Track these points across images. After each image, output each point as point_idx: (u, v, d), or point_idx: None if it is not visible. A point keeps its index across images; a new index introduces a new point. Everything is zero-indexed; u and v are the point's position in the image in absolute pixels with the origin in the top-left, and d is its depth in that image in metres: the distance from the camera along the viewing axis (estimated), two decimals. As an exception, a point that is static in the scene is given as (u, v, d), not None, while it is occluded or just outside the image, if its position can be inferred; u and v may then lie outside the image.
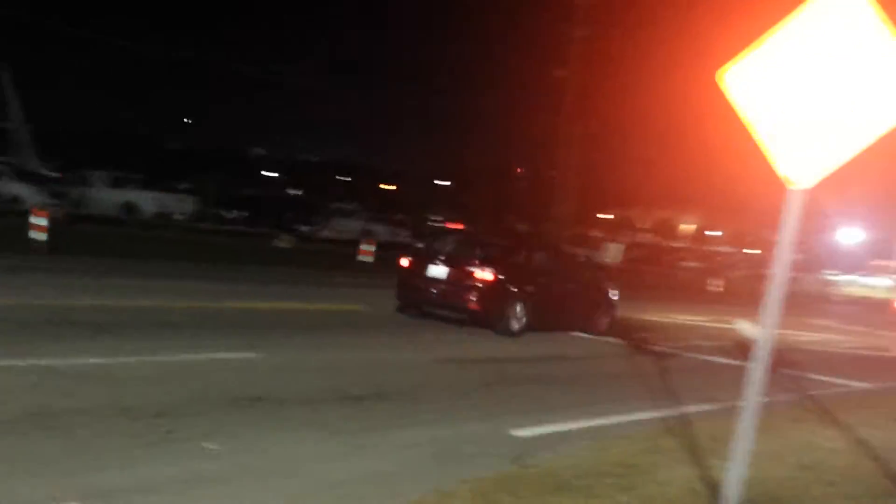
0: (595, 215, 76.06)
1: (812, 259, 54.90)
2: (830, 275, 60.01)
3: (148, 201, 40.74)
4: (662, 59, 36.23)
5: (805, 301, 39.97)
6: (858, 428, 10.10)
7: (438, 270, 16.99)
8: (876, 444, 9.26)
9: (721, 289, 41.73)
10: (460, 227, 63.75)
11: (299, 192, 75.97)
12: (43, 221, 20.96)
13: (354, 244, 31.55)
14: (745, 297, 32.69)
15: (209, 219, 44.58)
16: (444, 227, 62.63)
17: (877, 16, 5.49)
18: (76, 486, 5.70)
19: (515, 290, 16.88)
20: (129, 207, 39.44)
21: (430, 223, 63.01)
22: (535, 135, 46.15)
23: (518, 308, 16.81)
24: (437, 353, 13.70)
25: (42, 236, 20.80)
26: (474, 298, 16.43)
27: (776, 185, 5.78)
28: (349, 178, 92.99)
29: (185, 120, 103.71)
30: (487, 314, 16.56)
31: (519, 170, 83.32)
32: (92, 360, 9.59)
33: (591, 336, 18.04)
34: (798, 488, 7.22)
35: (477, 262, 16.84)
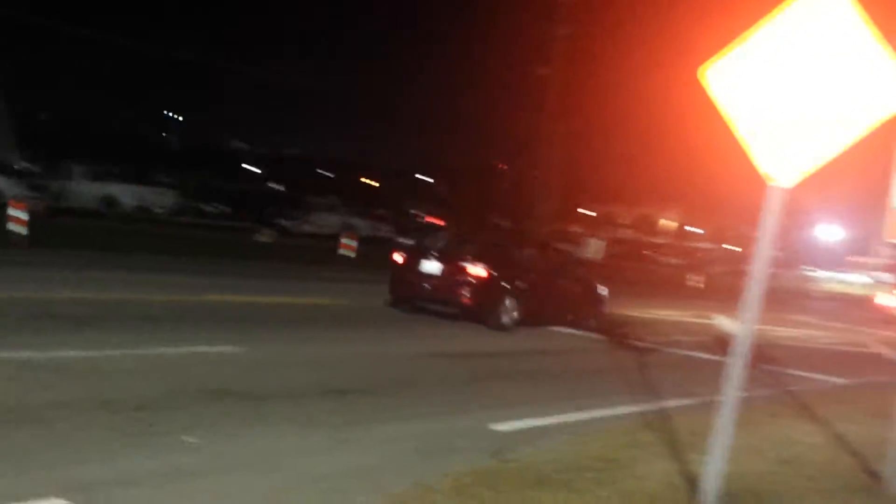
0: (576, 211, 76.20)
1: (791, 255, 55.16)
2: (809, 271, 60.33)
3: (128, 195, 40.53)
4: (644, 57, 36.38)
5: (784, 297, 40.17)
6: (837, 423, 10.17)
7: (432, 266, 17.22)
8: (854, 438, 9.33)
9: (701, 285, 41.90)
10: (440, 222, 63.86)
11: (280, 187, 75.78)
12: (22, 214, 20.83)
13: (335, 238, 31.49)
14: (725, 292, 32.82)
15: (189, 212, 44.41)
16: (424, 222, 62.72)
17: (858, 15, 5.53)
18: (56, 480, 5.68)
19: (507, 285, 17.12)
20: (109, 201, 39.23)
21: (414, 219, 63.00)
22: (518, 132, 46.25)
23: (509, 303, 17.06)
24: (421, 347, 13.73)
25: (21, 229, 20.68)
26: (467, 293, 16.72)
27: (756, 182, 5.82)
28: (330, 174, 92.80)
29: (169, 114, 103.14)
30: (480, 309, 16.83)
31: (501, 166, 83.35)
32: (72, 353, 9.56)
33: (573, 331, 18.09)
34: (777, 483, 7.27)
35: (470, 257, 17.13)
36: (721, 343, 17.01)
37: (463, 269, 16.90)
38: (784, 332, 23.48)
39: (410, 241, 47.69)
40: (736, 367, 5.73)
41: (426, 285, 17.21)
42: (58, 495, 5.43)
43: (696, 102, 6.56)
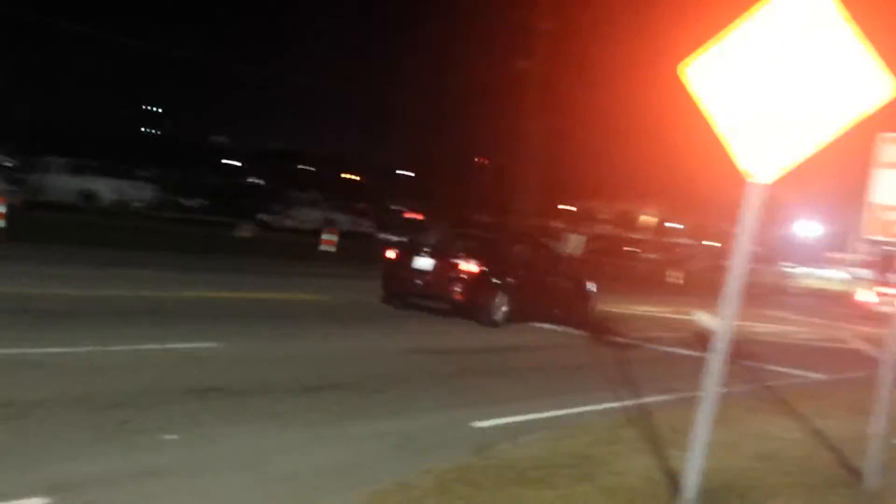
0: (556, 206, 76.33)
1: (770, 251, 55.36)
2: (787, 267, 60.62)
3: (107, 189, 40.25)
4: (625, 52, 36.35)
5: (763, 293, 40.34)
6: (815, 418, 10.21)
7: (424, 262, 17.37)
8: (832, 434, 9.37)
9: (681, 280, 42.03)
10: (418, 216, 63.83)
11: (261, 181, 75.54)
12: (0, 208, 20.69)
13: (316, 234, 31.42)
14: (705, 288, 32.94)
15: (168, 207, 44.18)
16: (404, 218, 62.68)
17: (837, 12, 5.53)
18: (35, 479, 5.62)
19: (498, 281, 17.29)
20: (88, 195, 38.96)
21: (394, 214, 62.91)
22: (499, 127, 46.22)
23: (501, 299, 17.22)
24: (403, 343, 13.71)
25: (-1, 223, 20.55)
26: (459, 289, 16.89)
27: (736, 179, 5.82)
28: (311, 168, 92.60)
29: (149, 108, 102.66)
30: (471, 305, 16.99)
31: (481, 161, 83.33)
32: (48, 350, 9.48)
33: (557, 328, 18.11)
34: (755, 478, 7.29)
35: (462, 254, 17.26)
36: (700, 339, 17.06)
37: (455, 266, 17.03)
38: (762, 328, 23.58)
39: (391, 236, 47.72)
40: (715, 363, 5.73)
41: (418, 281, 17.34)
42: (37, 494, 5.38)
43: (677, 99, 6.56)
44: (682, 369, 13.96)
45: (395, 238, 50.45)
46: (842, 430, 9.58)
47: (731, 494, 6.68)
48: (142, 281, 16.82)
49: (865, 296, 37.02)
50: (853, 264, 63.51)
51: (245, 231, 36.04)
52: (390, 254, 18.30)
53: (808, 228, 68.57)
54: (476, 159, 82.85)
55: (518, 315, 17.50)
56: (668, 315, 24.89)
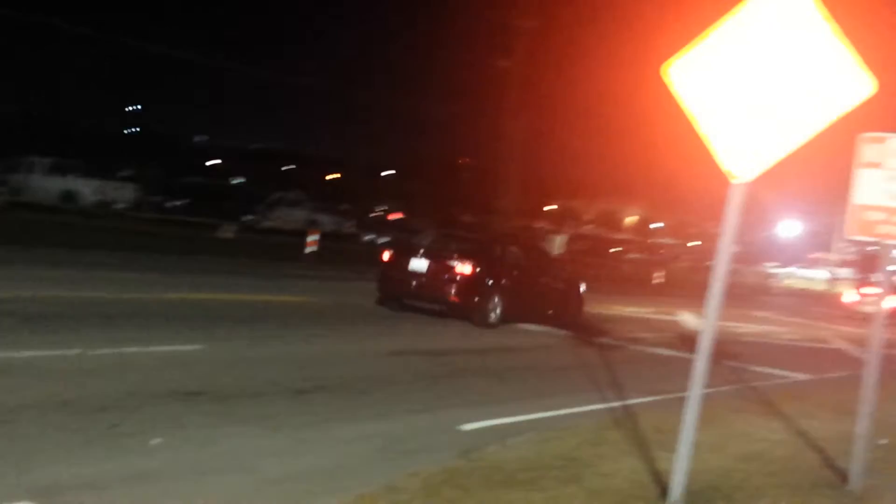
0: (539, 206, 76.41)
1: (752, 251, 55.62)
2: (771, 267, 60.88)
3: (88, 189, 40.08)
4: (607, 52, 36.51)
5: (746, 293, 40.55)
6: (799, 419, 10.25)
7: (420, 264, 17.58)
8: (816, 434, 9.40)
9: (663, 280, 42.18)
10: (399, 216, 63.71)
11: (243, 182, 75.34)
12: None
13: (299, 234, 31.37)
14: (687, 288, 33.10)
15: (150, 207, 44.03)
16: (386, 218, 62.64)
17: (818, 12, 5.56)
18: (20, 484, 5.57)
19: (493, 283, 17.58)
20: (69, 195, 38.78)
21: (377, 214, 62.88)
22: (480, 127, 46.30)
23: (495, 300, 17.50)
24: (391, 345, 13.69)
25: (-22, 224, 20.41)
26: (454, 291, 17.13)
27: (718, 178, 5.84)
28: (294, 166, 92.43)
29: (129, 108, 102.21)
30: (466, 306, 17.25)
31: (463, 161, 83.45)
32: (29, 354, 9.40)
33: (545, 328, 18.15)
34: (741, 479, 7.30)
35: (457, 256, 17.50)
36: (684, 339, 17.14)
37: (450, 268, 17.28)
38: (746, 329, 23.67)
39: (375, 237, 47.58)
40: (700, 364, 5.74)
41: (414, 283, 17.54)
42: (24, 498, 5.34)
43: (659, 98, 6.57)
44: (666, 370, 14.03)
45: (379, 239, 50.56)
46: (826, 430, 9.62)
47: (717, 495, 6.69)
48: (125, 283, 16.73)
49: (851, 296, 37.25)
50: (835, 264, 63.80)
51: (228, 232, 35.96)
52: (386, 256, 18.53)
53: (790, 229, 68.90)
54: (459, 159, 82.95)
55: (512, 316, 17.77)
56: (652, 316, 24.95)
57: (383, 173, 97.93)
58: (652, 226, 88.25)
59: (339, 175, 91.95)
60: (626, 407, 10.30)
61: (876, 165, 7.44)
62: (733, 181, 5.72)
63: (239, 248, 30.73)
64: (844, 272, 61.43)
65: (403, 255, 18.18)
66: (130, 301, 14.60)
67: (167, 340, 11.22)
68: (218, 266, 23.05)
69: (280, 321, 14.94)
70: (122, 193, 42.45)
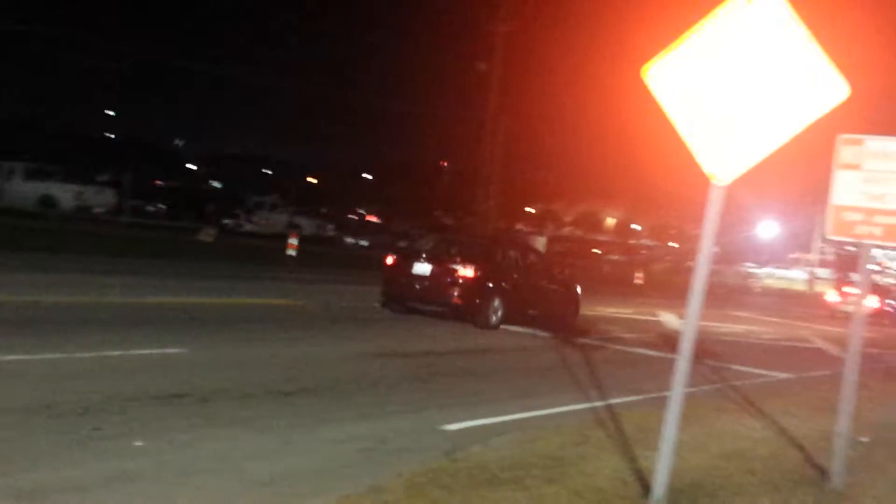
0: (520, 209, 76.54)
1: (732, 252, 55.91)
2: (750, 267, 61.18)
3: (67, 194, 39.82)
4: (587, 55, 36.68)
5: (726, 293, 40.73)
6: (780, 417, 10.33)
7: (423, 268, 18.03)
8: (797, 432, 9.48)
9: (643, 281, 42.33)
10: (376, 219, 63.63)
11: (222, 186, 75.15)
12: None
13: (279, 238, 31.32)
14: (667, 289, 33.22)
15: (130, 212, 43.82)
16: (364, 221, 62.60)
17: (793, 16, 5.62)
18: (3, 487, 5.56)
19: (494, 286, 18.04)
20: (48, 200, 38.53)
21: (356, 217, 62.80)
22: (460, 129, 46.37)
23: (496, 302, 17.93)
24: (373, 347, 13.68)
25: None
26: (457, 293, 17.59)
27: (698, 180, 5.89)
28: (271, 171, 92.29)
29: (110, 112, 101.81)
30: (469, 308, 17.67)
31: (443, 164, 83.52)
32: (12, 357, 9.37)
33: (539, 331, 18.23)
34: (721, 477, 7.35)
35: (459, 260, 18.00)
36: (666, 339, 17.25)
37: (453, 271, 17.75)
38: (727, 328, 23.80)
39: (355, 240, 47.48)
40: (681, 363, 5.79)
41: (417, 286, 17.98)
42: (7, 502, 5.33)
43: (638, 101, 6.62)
44: (647, 370, 14.13)
45: (360, 242, 50.55)
46: (807, 428, 9.70)
47: (700, 493, 6.74)
48: (106, 287, 16.66)
49: (833, 296, 37.57)
50: (814, 264, 64.18)
51: (208, 236, 35.86)
52: (389, 260, 18.99)
53: (770, 229, 69.28)
54: (439, 162, 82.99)
55: (512, 317, 18.16)
56: (632, 316, 25.05)
57: (363, 176, 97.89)
58: (632, 227, 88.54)
59: (318, 179, 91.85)
60: (608, 406, 10.35)
61: (854, 167, 7.52)
62: (713, 183, 5.78)
63: (219, 251, 30.67)
64: (823, 272, 61.87)
65: (407, 258, 18.72)
66: (112, 305, 14.56)
67: (150, 344, 11.20)
68: (199, 270, 22.98)
69: (263, 324, 14.93)
70: (101, 198, 42.15)
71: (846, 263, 50.28)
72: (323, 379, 10.49)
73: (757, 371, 15.63)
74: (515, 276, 18.96)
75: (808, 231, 65.82)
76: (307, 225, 46.16)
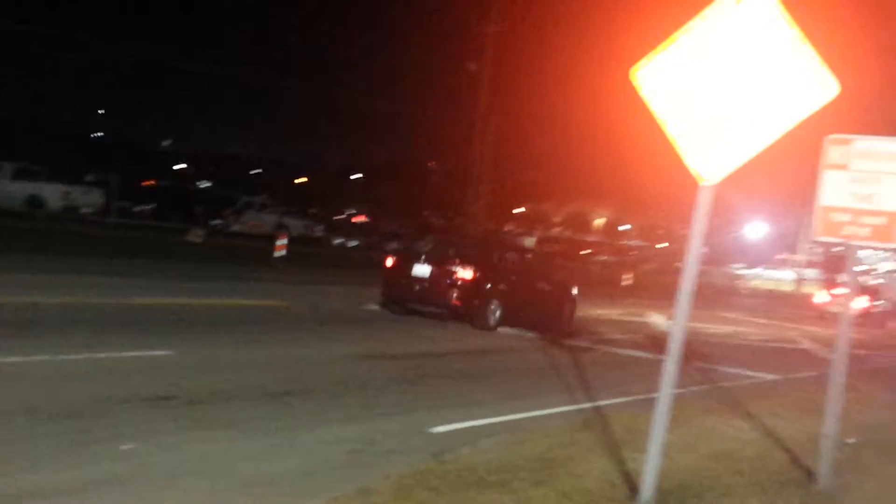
0: (509, 209, 76.57)
1: (720, 253, 56.02)
2: (738, 268, 61.33)
3: (55, 194, 39.67)
4: (576, 55, 36.71)
5: (714, 294, 40.83)
6: (768, 418, 10.34)
7: (422, 270, 18.21)
8: (785, 434, 9.50)
9: (631, 282, 42.40)
10: (363, 219, 63.57)
11: (211, 186, 75.00)
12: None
13: (268, 238, 31.26)
14: (656, 290, 33.28)
15: (117, 213, 43.67)
16: (351, 222, 62.58)
17: (783, 16, 5.63)
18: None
19: (492, 287, 18.21)
20: (35, 200, 38.37)
21: (344, 218, 62.75)
22: (450, 130, 46.36)
23: (494, 304, 18.10)
24: (361, 349, 13.64)
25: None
26: (456, 295, 17.78)
27: (686, 180, 5.89)
28: (260, 170, 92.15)
29: (100, 111, 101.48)
30: (467, 310, 17.86)
31: (431, 164, 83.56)
32: (1, 360, 9.31)
33: (521, 332, 18.26)
34: (711, 478, 7.36)
35: (458, 261, 18.16)
36: (654, 340, 17.27)
37: (452, 273, 17.92)
38: (715, 329, 23.85)
39: (344, 241, 47.39)
40: (670, 365, 5.79)
41: (417, 287, 18.17)
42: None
43: (627, 101, 6.62)
44: (636, 371, 14.18)
45: (348, 242, 50.51)
46: (794, 429, 9.72)
47: (687, 494, 6.74)
48: (94, 288, 16.59)
49: (821, 297, 37.72)
50: (801, 265, 64.38)
51: (196, 236, 35.77)
52: (389, 262, 19.23)
53: (757, 230, 69.47)
54: (428, 163, 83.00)
55: (510, 319, 18.31)
56: (620, 317, 25.07)
57: (352, 177, 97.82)
58: (620, 228, 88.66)
59: (307, 179, 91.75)
60: (597, 408, 10.35)
61: (842, 167, 7.53)
62: (701, 183, 5.78)
63: (208, 252, 30.60)
64: (811, 273, 62.05)
65: (406, 260, 18.89)
66: (100, 306, 14.49)
67: (138, 345, 11.14)
68: (187, 271, 22.91)
69: (251, 325, 14.89)
70: (88, 198, 42.01)
71: (834, 264, 50.42)
72: (310, 380, 10.47)
73: (745, 372, 15.66)
74: (513, 277, 19.15)
75: (795, 232, 66.05)
76: (295, 225, 46.06)
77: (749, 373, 15.66)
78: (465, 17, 37.33)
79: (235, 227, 45.00)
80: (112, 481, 6.00)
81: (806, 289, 54.38)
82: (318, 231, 50.33)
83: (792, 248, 69.56)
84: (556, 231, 79.91)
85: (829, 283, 41.16)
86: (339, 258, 39.39)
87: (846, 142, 7.53)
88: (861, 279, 42.38)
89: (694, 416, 9.92)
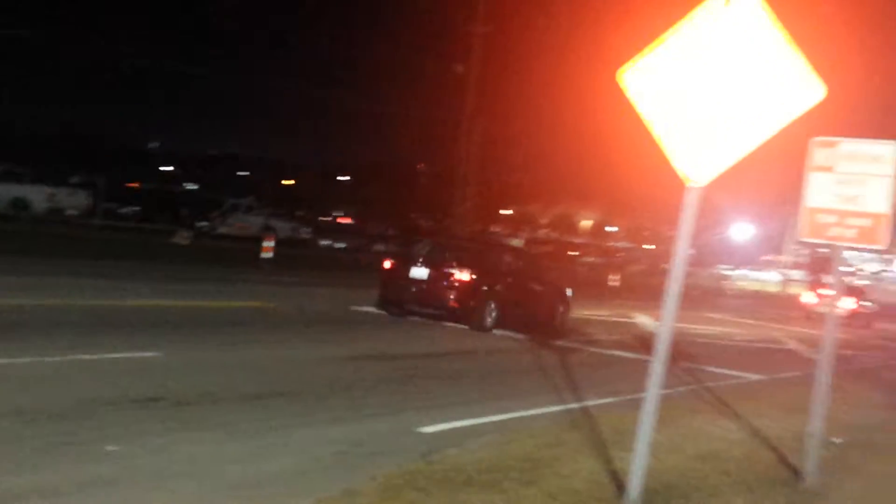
0: (496, 211, 76.57)
1: (706, 254, 56.17)
2: (724, 269, 61.49)
3: (40, 196, 39.50)
4: (563, 57, 36.66)
5: (700, 295, 40.94)
6: (754, 418, 10.38)
7: (420, 272, 18.46)
8: (771, 433, 9.54)
9: (618, 283, 42.44)
10: (349, 220, 63.53)
11: (197, 188, 74.83)
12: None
13: (255, 240, 31.19)
14: (642, 291, 33.35)
15: (102, 214, 43.50)
16: (336, 223, 62.57)
17: (769, 18, 5.65)
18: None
19: (488, 289, 18.42)
20: (20, 203, 38.19)
21: (329, 219, 62.69)
22: (437, 131, 46.30)
23: (491, 305, 18.31)
24: (349, 350, 13.63)
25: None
26: (453, 297, 18.03)
27: (673, 182, 5.91)
28: (248, 173, 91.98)
29: (83, 112, 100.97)
30: (465, 311, 18.10)
31: (419, 166, 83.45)
32: (-18, 361, 9.28)
33: (515, 334, 18.29)
34: (697, 478, 7.38)
35: (455, 264, 18.43)
36: (641, 341, 17.30)
37: (450, 275, 18.18)
38: (702, 330, 23.91)
39: (331, 243, 47.35)
40: (656, 365, 5.80)
41: (415, 289, 18.41)
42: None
43: (614, 102, 6.64)
44: (623, 371, 14.19)
45: (336, 244, 50.45)
46: (781, 429, 9.76)
47: (674, 494, 6.77)
48: (80, 290, 16.54)
49: (808, 297, 37.89)
50: (787, 266, 64.61)
51: (183, 238, 35.66)
52: (387, 264, 19.50)
53: (743, 231, 69.71)
54: (416, 164, 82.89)
55: (506, 320, 18.47)
56: (608, 318, 25.12)
57: (339, 178, 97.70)
58: (607, 229, 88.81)
59: (294, 180, 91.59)
60: (585, 408, 10.37)
61: (827, 169, 7.58)
62: (688, 185, 5.80)
63: (194, 254, 30.52)
64: (796, 274, 62.31)
65: (404, 263, 19.14)
66: (87, 308, 14.44)
67: (124, 347, 11.10)
68: (174, 272, 22.85)
69: (238, 327, 14.85)
70: (74, 200, 41.83)
71: (819, 265, 50.62)
72: (297, 382, 10.46)
73: (731, 372, 15.71)
74: (509, 279, 19.39)
75: (781, 233, 66.25)
76: (282, 227, 45.96)
77: (735, 373, 15.71)
78: (451, 19, 37.19)
79: (222, 229, 44.86)
80: (98, 483, 5.98)
81: (792, 290, 54.60)
82: (306, 233, 50.23)
83: (778, 250, 69.79)
84: (543, 233, 80.00)
85: (815, 284, 41.32)
86: (327, 260, 39.33)
87: (832, 144, 7.58)
88: (846, 280, 42.57)
89: (681, 416, 9.95)
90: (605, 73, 6.57)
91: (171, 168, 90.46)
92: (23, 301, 14.11)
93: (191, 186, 79.29)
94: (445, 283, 18.14)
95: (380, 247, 50.03)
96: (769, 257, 73.18)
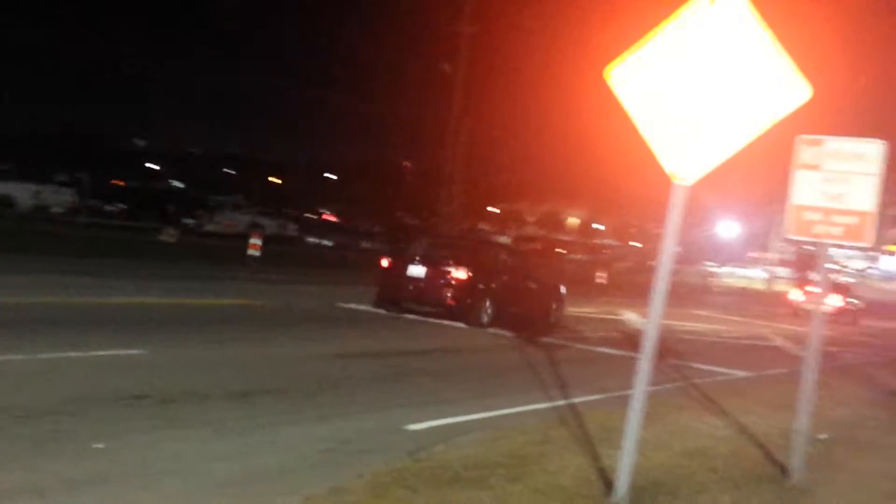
0: (483, 209, 76.61)
1: (693, 251, 56.32)
2: (711, 266, 61.66)
3: (25, 194, 39.37)
4: (550, 56, 36.67)
5: (687, 292, 41.05)
6: (741, 415, 10.42)
7: (417, 270, 18.64)
8: (757, 430, 9.57)
9: (605, 281, 42.51)
10: (334, 218, 63.49)
11: (184, 185, 74.62)
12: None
13: (242, 238, 31.14)
14: (629, 288, 33.45)
15: (87, 212, 43.38)
16: (322, 220, 62.49)
17: (756, 18, 5.67)
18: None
19: (485, 287, 18.63)
20: (5, 200, 38.06)
21: (315, 217, 62.59)
22: (424, 130, 46.25)
23: (487, 303, 18.53)
24: (336, 348, 13.61)
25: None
26: (450, 294, 18.23)
27: (660, 180, 5.93)
28: (234, 171, 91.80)
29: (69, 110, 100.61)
30: (462, 308, 18.28)
31: (406, 164, 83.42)
32: (-32, 359, 9.24)
33: (505, 332, 18.32)
34: (684, 475, 7.40)
35: (452, 262, 18.59)
36: (628, 338, 17.33)
37: (446, 273, 18.36)
38: (689, 327, 23.97)
39: (318, 240, 47.30)
40: (644, 362, 5.82)
41: (412, 287, 18.60)
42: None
43: (601, 101, 6.65)
44: (610, 369, 14.21)
45: (322, 241, 50.41)
46: (767, 426, 9.80)
47: (661, 491, 6.78)
48: (66, 287, 16.48)
49: (796, 295, 38.07)
50: (773, 263, 64.86)
51: (169, 236, 35.58)
52: (385, 262, 19.58)
53: (729, 229, 69.94)
54: (403, 162, 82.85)
55: (501, 317, 18.66)
56: (595, 315, 25.16)
57: (326, 176, 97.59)
58: (594, 227, 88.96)
59: (282, 178, 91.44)
60: (572, 405, 10.38)
61: (813, 167, 7.61)
62: (675, 183, 5.81)
63: (181, 252, 30.44)
64: (782, 271, 62.56)
65: (401, 261, 19.23)
66: (73, 305, 14.39)
67: (111, 345, 11.06)
68: (159, 270, 22.80)
69: (225, 324, 14.81)
70: (59, 198, 41.72)
71: (805, 262, 50.85)
72: (284, 379, 10.44)
73: (718, 369, 15.75)
74: (505, 277, 19.63)
75: (767, 231, 66.47)
76: (269, 225, 45.91)
77: (722, 370, 15.75)
78: (438, 18, 37.18)
79: (209, 227, 44.78)
80: (84, 480, 5.95)
81: (777, 287, 54.82)
82: (293, 230, 50.20)
83: (764, 247, 70.02)
84: (530, 230, 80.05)
85: (801, 282, 41.50)
86: (314, 257, 39.30)
87: (818, 142, 7.61)
88: (832, 277, 42.75)
89: (668, 413, 9.97)
90: (591, 73, 6.59)
91: (157, 167, 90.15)
92: (7, 299, 14.03)
93: (177, 184, 79.08)
94: (443, 281, 18.33)
95: (366, 244, 50.02)
96: (755, 255, 73.44)
